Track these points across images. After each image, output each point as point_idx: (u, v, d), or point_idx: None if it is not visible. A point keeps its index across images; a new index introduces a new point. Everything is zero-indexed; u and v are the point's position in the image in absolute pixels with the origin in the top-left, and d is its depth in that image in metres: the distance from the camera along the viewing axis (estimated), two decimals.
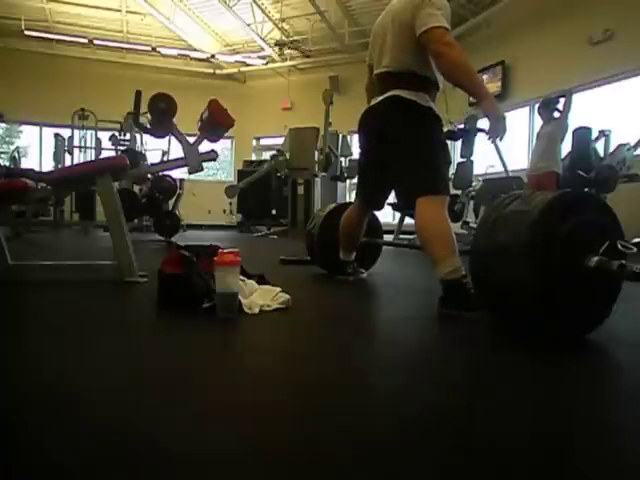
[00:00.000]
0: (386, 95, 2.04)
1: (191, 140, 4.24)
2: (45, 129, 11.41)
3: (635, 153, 5.55)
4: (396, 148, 2.02)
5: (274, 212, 9.59)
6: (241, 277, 1.77)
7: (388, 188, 2.30)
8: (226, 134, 4.52)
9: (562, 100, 5.28)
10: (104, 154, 8.84)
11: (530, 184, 5.32)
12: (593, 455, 0.75)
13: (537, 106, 5.50)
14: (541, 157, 5.28)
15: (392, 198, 2.54)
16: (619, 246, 1.37)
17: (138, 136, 8.58)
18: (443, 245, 1.82)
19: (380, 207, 2.51)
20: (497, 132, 1.82)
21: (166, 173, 6.11)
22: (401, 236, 5.99)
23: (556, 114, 5.28)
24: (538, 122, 5.71)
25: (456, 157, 7.14)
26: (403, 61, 1.99)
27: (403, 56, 1.99)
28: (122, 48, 11.90)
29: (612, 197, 4.72)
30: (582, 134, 5.44)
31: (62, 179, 2.60)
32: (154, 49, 11.78)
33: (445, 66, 1.86)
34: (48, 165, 9.92)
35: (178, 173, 6.46)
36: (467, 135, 5.21)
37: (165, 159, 7.77)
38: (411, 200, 1.95)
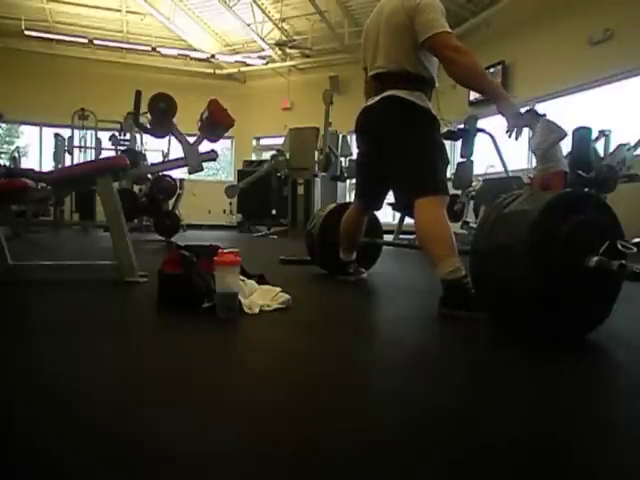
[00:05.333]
0: (382, 95, 2.04)
1: (191, 140, 4.24)
2: (45, 129, 11.41)
3: (635, 153, 5.56)
4: (393, 148, 2.02)
5: (274, 212, 9.58)
6: (241, 277, 1.77)
7: (386, 189, 2.30)
8: (226, 134, 4.53)
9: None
10: (104, 154, 8.84)
11: (535, 185, 5.34)
12: (593, 455, 0.75)
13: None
14: (543, 158, 5.31)
15: (391, 198, 2.53)
16: (619, 246, 1.36)
17: (138, 136, 8.58)
18: (443, 245, 1.82)
19: (379, 207, 2.51)
20: (515, 128, 1.81)
21: (166, 173, 6.11)
22: (401, 236, 5.99)
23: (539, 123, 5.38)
24: None
25: (456, 157, 7.13)
26: (397, 61, 1.99)
27: (397, 56, 1.98)
28: (122, 48, 11.90)
29: (612, 197, 4.72)
30: (582, 134, 5.45)
31: (62, 179, 2.60)
32: (154, 49, 11.78)
33: (456, 72, 1.85)
34: (48, 165, 9.92)
35: (178, 173, 6.46)
36: (467, 135, 5.22)
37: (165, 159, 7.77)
38: (410, 201, 1.95)
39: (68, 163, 8.98)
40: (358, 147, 2.34)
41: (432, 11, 1.86)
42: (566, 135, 5.28)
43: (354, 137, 2.36)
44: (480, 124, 5.58)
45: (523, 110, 5.60)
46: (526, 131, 5.66)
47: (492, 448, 0.75)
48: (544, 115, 5.47)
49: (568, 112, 6.64)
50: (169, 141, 7.85)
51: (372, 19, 2.14)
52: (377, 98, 2.07)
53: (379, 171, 2.17)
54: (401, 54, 1.97)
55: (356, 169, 2.44)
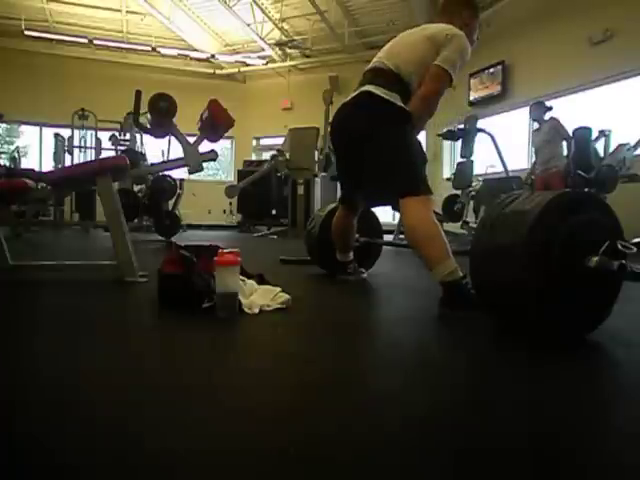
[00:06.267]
0: (359, 90, 2.05)
1: (191, 140, 4.23)
2: (45, 129, 11.41)
3: (635, 153, 5.56)
4: (370, 146, 2.00)
5: (274, 212, 9.59)
6: (241, 277, 1.77)
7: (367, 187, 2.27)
8: (226, 134, 4.52)
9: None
10: (104, 154, 8.84)
11: (537, 183, 5.35)
12: (593, 455, 0.75)
13: (530, 108, 5.57)
14: (548, 158, 5.31)
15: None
16: (619, 246, 1.37)
17: (138, 136, 8.58)
18: (436, 247, 1.80)
19: (368, 205, 2.50)
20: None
21: (166, 173, 6.10)
22: (401, 236, 5.99)
23: (546, 116, 5.36)
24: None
25: (456, 157, 7.13)
26: (396, 60, 1.99)
27: (400, 56, 1.99)
28: (122, 48, 11.89)
29: (612, 197, 4.72)
30: (582, 134, 5.46)
31: (62, 179, 2.60)
32: (154, 49, 11.78)
33: (418, 101, 1.97)
34: (48, 165, 9.92)
35: (178, 173, 6.46)
36: (467, 135, 5.22)
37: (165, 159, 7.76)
38: (389, 200, 1.94)
39: (68, 163, 8.98)
40: (335, 146, 2.30)
41: (457, 51, 1.93)
42: (571, 139, 5.30)
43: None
44: (480, 124, 5.59)
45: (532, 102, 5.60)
46: (526, 126, 5.67)
47: (492, 448, 0.75)
48: (551, 108, 5.45)
49: (568, 112, 6.62)
50: (169, 141, 7.85)
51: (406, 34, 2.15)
52: (354, 94, 2.07)
53: (358, 170, 2.13)
54: (406, 56, 1.98)
55: (337, 169, 2.42)
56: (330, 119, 7.80)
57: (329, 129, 2.27)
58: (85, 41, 11.33)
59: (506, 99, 8.71)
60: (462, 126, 5.46)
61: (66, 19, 11.09)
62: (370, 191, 2.19)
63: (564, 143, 5.41)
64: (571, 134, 5.42)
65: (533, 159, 5.87)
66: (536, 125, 5.55)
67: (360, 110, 2.04)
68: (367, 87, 2.01)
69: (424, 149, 2.17)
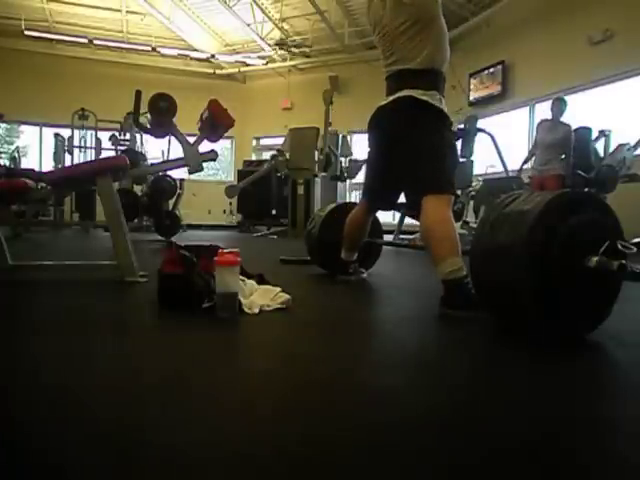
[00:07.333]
0: (397, 95, 2.05)
1: (191, 140, 4.23)
2: (45, 129, 11.42)
3: (635, 153, 5.55)
4: (406, 149, 2.02)
5: (274, 212, 9.59)
6: (241, 277, 1.77)
7: (396, 189, 2.30)
8: (226, 134, 4.52)
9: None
10: (104, 154, 8.84)
11: (534, 184, 5.32)
12: (593, 455, 0.75)
13: (552, 101, 5.43)
14: (547, 160, 5.28)
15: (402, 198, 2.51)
16: (619, 246, 1.37)
17: (138, 136, 8.57)
18: (447, 245, 1.83)
19: (388, 207, 2.51)
20: None
21: (166, 173, 6.10)
22: (401, 236, 5.99)
23: (563, 118, 5.29)
24: (537, 122, 5.70)
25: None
26: (414, 57, 2.00)
27: (412, 52, 1.99)
28: (122, 48, 11.90)
29: (612, 197, 4.72)
30: (582, 134, 5.45)
31: (62, 179, 2.60)
32: (154, 49, 11.78)
33: None
34: (48, 165, 9.92)
35: (178, 173, 6.46)
36: (467, 135, 5.22)
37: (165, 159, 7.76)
38: (418, 200, 1.96)
39: (68, 163, 8.98)
40: (370, 146, 2.34)
41: None
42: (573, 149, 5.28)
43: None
44: (480, 124, 5.59)
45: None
46: (526, 126, 5.59)
47: (492, 448, 0.75)
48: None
49: (568, 112, 6.62)
50: (169, 141, 7.85)
51: (381, 17, 2.13)
52: (391, 98, 2.08)
53: (389, 172, 2.17)
54: (416, 48, 1.98)
55: (366, 167, 2.44)
56: (330, 119, 7.77)
57: (366, 128, 2.28)
58: (85, 41, 11.33)
59: (506, 99, 8.71)
60: (462, 126, 5.46)
61: (66, 19, 11.09)
62: (406, 192, 2.24)
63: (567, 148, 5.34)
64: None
65: (529, 156, 5.72)
66: (548, 116, 5.41)
67: (397, 113, 2.06)
68: (403, 92, 2.02)
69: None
